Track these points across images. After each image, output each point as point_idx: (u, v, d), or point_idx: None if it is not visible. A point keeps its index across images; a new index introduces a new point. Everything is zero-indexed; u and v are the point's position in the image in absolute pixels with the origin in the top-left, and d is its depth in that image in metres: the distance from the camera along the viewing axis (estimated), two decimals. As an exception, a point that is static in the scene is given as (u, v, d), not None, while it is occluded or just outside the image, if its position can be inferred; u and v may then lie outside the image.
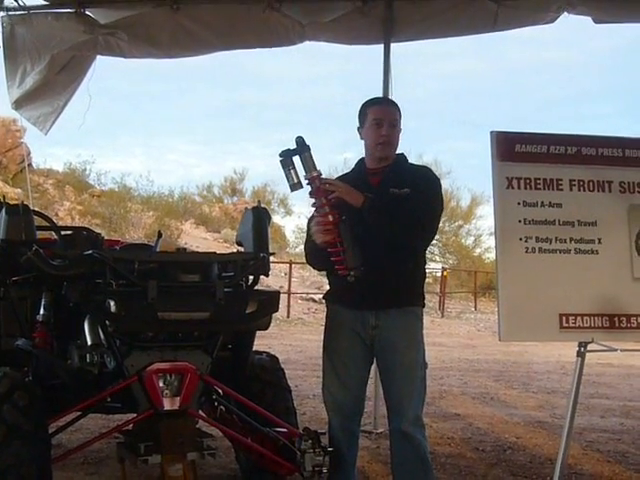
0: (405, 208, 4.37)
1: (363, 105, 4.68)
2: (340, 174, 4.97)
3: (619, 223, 5.14)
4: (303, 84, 74.08)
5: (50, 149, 65.13)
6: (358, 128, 4.70)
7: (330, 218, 4.30)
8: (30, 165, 29.20)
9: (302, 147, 4.35)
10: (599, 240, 5.04)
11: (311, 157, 4.35)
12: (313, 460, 4.46)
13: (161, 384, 4.16)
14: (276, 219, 40.13)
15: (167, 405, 4.18)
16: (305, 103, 71.87)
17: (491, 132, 5.15)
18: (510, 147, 5.11)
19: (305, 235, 4.77)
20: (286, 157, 4.35)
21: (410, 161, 4.82)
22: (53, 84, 8.10)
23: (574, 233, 5.02)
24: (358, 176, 4.66)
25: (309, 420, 7.72)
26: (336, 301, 4.66)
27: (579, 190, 5.13)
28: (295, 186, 4.34)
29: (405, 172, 4.63)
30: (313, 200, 4.38)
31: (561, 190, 5.10)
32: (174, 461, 4.17)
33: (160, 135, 71.57)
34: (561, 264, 5.00)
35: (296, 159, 4.34)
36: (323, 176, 4.37)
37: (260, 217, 4.69)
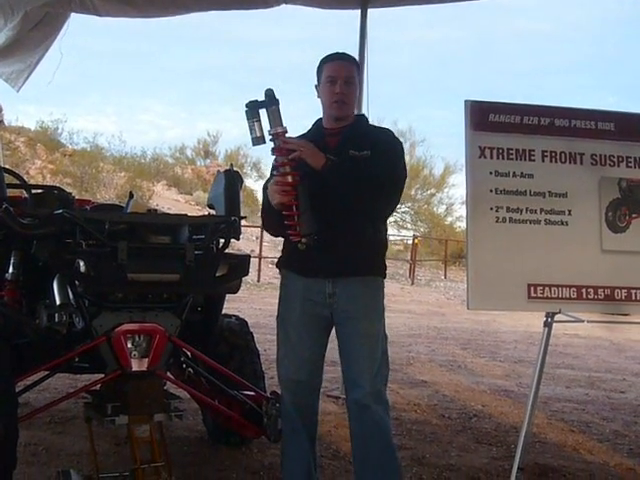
0: (366, 172, 4.15)
1: (320, 61, 4.44)
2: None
3: (590, 195, 5.15)
4: (278, 48, 73.71)
5: (22, 106, 64.49)
6: (315, 86, 4.46)
7: (289, 179, 4.10)
8: (1, 122, 28.92)
9: (270, 100, 4.12)
10: (569, 212, 5.06)
11: (278, 112, 4.14)
12: (280, 423, 4.49)
13: (129, 345, 4.15)
14: (249, 183, 40.10)
15: (135, 366, 4.17)
16: (280, 67, 71.41)
17: (465, 101, 5.14)
18: (484, 117, 5.11)
19: (262, 200, 4.54)
20: (252, 108, 4.12)
21: (374, 124, 4.69)
22: (26, 41, 8.03)
23: (545, 204, 5.03)
24: (315, 137, 4.39)
25: (277, 384, 7.72)
26: (290, 268, 4.43)
27: (551, 161, 5.13)
28: (257, 140, 4.14)
29: (365, 134, 4.41)
30: (275, 156, 4.20)
31: (533, 161, 5.11)
32: (141, 422, 4.17)
33: (133, 96, 71.15)
34: (531, 234, 5.01)
35: (263, 112, 4.13)
36: (288, 134, 4.19)
37: (232, 180, 4.61)
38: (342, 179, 4.15)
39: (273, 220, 4.34)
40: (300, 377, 4.36)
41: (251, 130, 4.13)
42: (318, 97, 4.45)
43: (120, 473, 4.33)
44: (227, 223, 4.43)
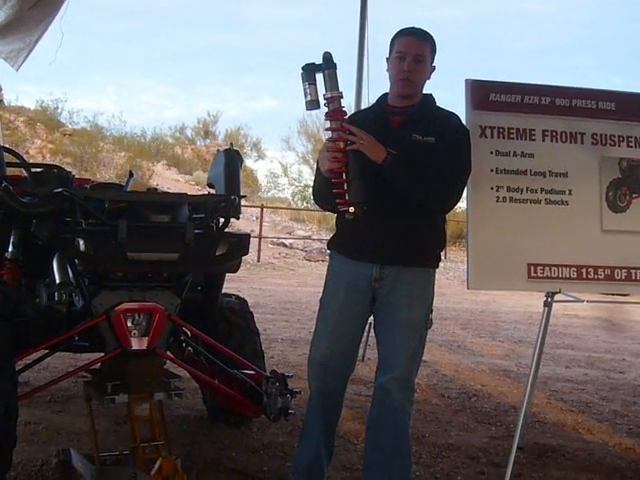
0: (429, 163, 4.01)
1: (394, 35, 4.24)
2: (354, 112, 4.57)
3: (590, 175, 5.15)
4: (278, 28, 73.39)
5: (21, 86, 64.42)
6: (387, 59, 4.28)
7: (341, 145, 3.95)
8: (1, 102, 28.86)
9: (328, 63, 3.96)
10: (570, 191, 5.05)
11: (335, 76, 3.96)
12: (279, 402, 4.49)
13: (129, 324, 4.14)
14: (249, 163, 40.04)
15: (135, 345, 4.17)
16: (279, 48, 71.28)
17: (466, 80, 5.12)
18: (484, 96, 5.09)
19: (315, 172, 4.37)
20: (308, 71, 3.96)
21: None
22: (26, 19, 7.98)
23: (545, 183, 5.03)
24: (378, 113, 4.30)
25: (277, 363, 7.77)
26: (339, 249, 4.35)
27: (551, 141, 5.12)
28: (312, 103, 3.99)
29: (431, 117, 4.22)
30: (328, 124, 4.05)
31: (534, 140, 5.10)
32: (141, 401, 4.18)
33: (133, 75, 70.87)
34: (531, 214, 5.01)
35: (319, 77, 3.97)
36: (344, 104, 4.02)
37: (232, 160, 4.60)
38: (402, 175, 4.03)
39: (324, 190, 4.18)
40: (330, 363, 4.29)
41: (305, 93, 3.98)
42: (387, 71, 4.29)
43: (120, 452, 4.35)
44: (227, 202, 4.42)
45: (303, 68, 3.98)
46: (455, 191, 4.21)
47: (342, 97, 4.00)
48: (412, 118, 4.19)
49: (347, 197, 3.94)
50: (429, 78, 4.28)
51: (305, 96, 3.99)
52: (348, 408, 5.77)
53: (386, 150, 3.97)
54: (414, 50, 4.13)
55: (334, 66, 3.98)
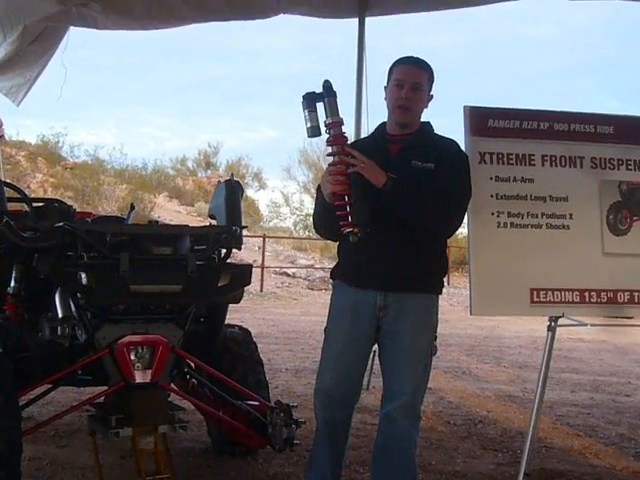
0: (429, 188, 4.01)
1: (392, 63, 4.26)
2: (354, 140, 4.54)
3: (590, 198, 5.16)
4: (277, 57, 73.76)
5: (22, 121, 64.63)
6: (385, 87, 4.29)
7: (343, 168, 3.96)
8: (2, 137, 28.97)
9: (328, 91, 3.98)
10: (570, 215, 5.07)
11: (336, 103, 3.99)
12: (285, 433, 4.48)
13: (133, 357, 4.15)
14: (250, 193, 40.20)
15: (139, 378, 4.17)
16: (279, 77, 71.54)
17: (464, 107, 5.15)
18: (483, 122, 5.12)
19: (315, 201, 4.38)
20: (309, 99, 3.99)
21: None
22: (26, 55, 8.05)
23: (546, 208, 5.04)
24: (377, 141, 4.31)
25: (281, 393, 7.74)
26: (342, 278, 4.32)
27: (551, 165, 5.14)
28: (314, 130, 4.00)
29: (430, 144, 4.22)
30: (329, 149, 4.05)
31: (533, 165, 5.12)
32: (145, 434, 4.17)
33: (133, 108, 71.24)
34: (533, 239, 5.02)
35: (319, 106, 4.00)
36: (345, 131, 4.03)
37: (233, 190, 4.62)
38: (403, 200, 4.02)
39: (325, 217, 4.19)
40: (336, 393, 4.27)
41: (306, 120, 4.00)
42: (385, 99, 4.31)
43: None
44: (228, 233, 4.43)
45: (304, 97, 4.01)
46: (456, 215, 4.20)
47: (343, 123, 4.03)
48: (411, 145, 4.19)
49: (350, 219, 3.93)
50: (427, 107, 4.29)
51: (306, 123, 4.01)
52: (354, 437, 5.73)
53: (387, 175, 3.98)
54: (412, 78, 4.15)
55: (334, 94, 4.01)
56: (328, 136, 4.03)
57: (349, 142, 4.09)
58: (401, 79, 4.16)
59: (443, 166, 4.11)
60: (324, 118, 4.02)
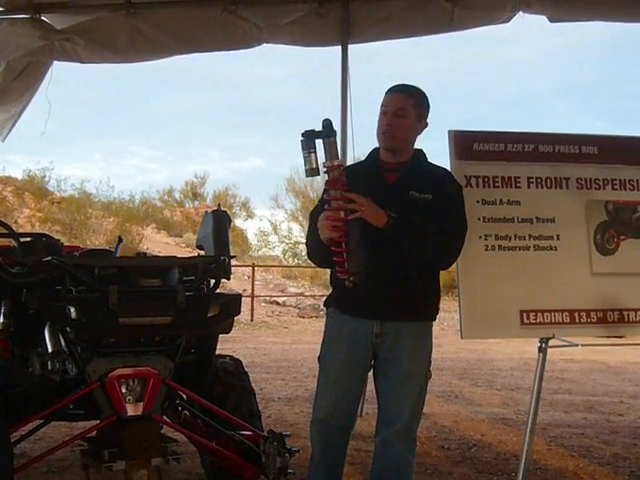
0: (428, 221, 4.06)
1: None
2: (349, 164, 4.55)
3: (577, 219, 5.19)
4: (262, 86, 73.94)
5: (8, 156, 64.62)
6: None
7: (341, 214, 3.93)
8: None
9: (328, 131, 3.95)
10: (558, 236, 5.09)
11: (335, 143, 3.98)
12: (278, 462, 4.46)
13: (124, 390, 4.12)
14: (238, 222, 40.18)
15: (130, 411, 4.14)
16: (263, 105, 71.69)
17: (449, 131, 5.18)
18: (468, 146, 5.15)
19: (307, 228, 4.37)
20: (309, 138, 3.95)
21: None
22: (9, 91, 8.05)
23: (533, 230, 5.06)
24: (371, 169, 4.31)
25: (274, 423, 7.70)
26: (336, 306, 4.33)
27: (537, 187, 5.17)
28: (312, 171, 3.96)
29: (426, 173, 4.27)
30: (327, 190, 4.02)
31: (519, 187, 5.14)
32: (138, 467, 4.13)
33: (118, 140, 71.25)
34: (521, 261, 5.04)
35: (318, 142, 3.96)
36: (342, 169, 4.02)
37: (220, 220, 4.62)
38: (404, 236, 4.02)
39: (320, 252, 4.18)
40: (333, 420, 4.27)
41: (306, 161, 3.97)
42: None
43: (119, 520, 4.30)
44: (217, 263, 4.43)
45: (303, 135, 3.97)
46: (457, 248, 4.24)
47: (342, 165, 4.02)
48: (407, 175, 4.21)
49: (347, 266, 3.93)
50: (419, 133, 4.32)
51: (305, 164, 3.98)
52: (349, 464, 5.70)
53: (387, 214, 3.97)
54: (394, 104, 4.19)
55: (334, 133, 3.98)
56: (327, 178, 4.01)
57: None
58: (386, 105, 4.22)
59: (441, 197, 4.14)
60: (323, 159, 3.99)
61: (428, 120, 4.35)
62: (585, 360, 14.19)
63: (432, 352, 4.37)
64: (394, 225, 3.97)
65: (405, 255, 4.05)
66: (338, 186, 3.97)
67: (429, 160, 4.39)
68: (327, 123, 3.98)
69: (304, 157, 3.97)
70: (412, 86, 4.31)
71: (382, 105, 4.25)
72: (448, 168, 4.83)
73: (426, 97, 4.33)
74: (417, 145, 4.35)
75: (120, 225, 31.47)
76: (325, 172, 3.99)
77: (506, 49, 75.74)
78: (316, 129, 3.97)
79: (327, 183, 4.02)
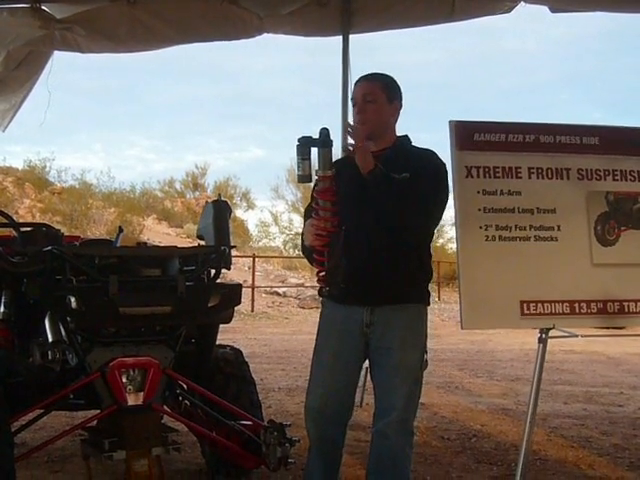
0: (407, 193, 3.98)
1: None
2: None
3: (578, 210, 5.18)
4: (262, 76, 73.90)
5: (8, 147, 64.58)
6: None
7: (328, 225, 3.95)
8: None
9: (325, 141, 3.94)
10: (558, 227, 5.08)
11: (330, 154, 3.96)
12: (279, 452, 4.47)
13: (124, 379, 4.13)
14: (239, 213, 40.21)
15: (131, 400, 4.15)
16: (263, 96, 71.67)
17: (450, 121, 5.16)
18: (469, 136, 5.13)
19: (303, 222, 4.33)
20: (304, 145, 3.94)
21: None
22: (10, 80, 8.05)
23: (534, 220, 5.05)
24: (354, 159, 4.15)
25: (274, 413, 7.71)
26: (328, 295, 4.22)
27: (538, 178, 5.16)
28: (305, 178, 3.98)
29: (407, 156, 4.22)
30: (316, 199, 4.02)
31: (520, 178, 5.13)
32: (139, 456, 4.15)
33: (119, 131, 71.25)
34: (521, 251, 5.03)
35: (313, 150, 3.95)
36: (334, 184, 3.99)
37: (221, 210, 4.62)
38: (383, 189, 3.99)
39: (309, 251, 4.15)
40: (327, 410, 4.25)
41: (298, 167, 3.99)
42: None
43: (120, 509, 4.31)
44: (217, 253, 4.43)
45: (299, 141, 3.96)
46: (433, 211, 4.17)
47: (333, 177, 3.98)
48: (387, 159, 4.16)
49: (326, 276, 3.99)
50: (395, 118, 4.31)
51: (298, 169, 4.00)
52: (348, 454, 5.71)
53: (375, 164, 3.99)
54: (361, 92, 4.23)
55: (330, 143, 3.97)
56: (317, 187, 4.02)
57: (337, 158, 4.09)
58: (354, 97, 4.27)
59: (420, 174, 4.09)
60: (316, 167, 3.99)
61: (402, 102, 4.34)
62: (585, 351, 14.20)
63: (426, 341, 4.31)
64: (377, 174, 3.98)
65: (382, 218, 4.04)
66: (327, 197, 3.98)
67: (414, 145, 4.37)
68: (324, 133, 3.97)
69: (297, 162, 3.99)
70: (377, 72, 4.33)
71: (352, 98, 4.30)
72: (449, 159, 4.83)
73: (393, 80, 4.33)
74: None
75: (121, 216, 31.50)
76: (317, 181, 4.01)
77: (505, 40, 75.61)
78: (313, 136, 3.98)
79: (317, 192, 4.03)
